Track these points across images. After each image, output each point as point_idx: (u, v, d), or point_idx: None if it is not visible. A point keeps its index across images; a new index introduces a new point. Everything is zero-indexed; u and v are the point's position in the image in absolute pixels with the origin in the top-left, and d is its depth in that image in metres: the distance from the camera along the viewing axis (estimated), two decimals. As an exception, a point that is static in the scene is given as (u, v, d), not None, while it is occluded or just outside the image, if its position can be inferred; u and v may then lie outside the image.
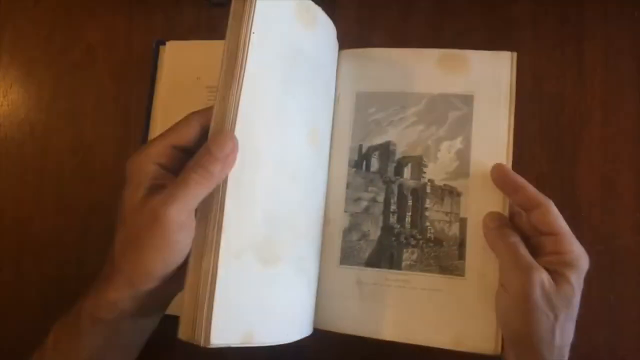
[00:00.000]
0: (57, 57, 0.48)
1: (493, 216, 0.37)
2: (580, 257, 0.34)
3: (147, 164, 0.30)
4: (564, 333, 0.33)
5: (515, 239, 0.35)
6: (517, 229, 0.37)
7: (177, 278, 0.30)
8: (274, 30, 0.33)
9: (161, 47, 0.47)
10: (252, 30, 0.31)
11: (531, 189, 0.36)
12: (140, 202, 0.29)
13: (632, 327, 0.43)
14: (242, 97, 0.31)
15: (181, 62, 0.46)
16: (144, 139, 0.46)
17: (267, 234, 0.32)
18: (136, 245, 0.29)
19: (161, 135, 0.31)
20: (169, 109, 0.46)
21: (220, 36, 0.47)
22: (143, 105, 0.46)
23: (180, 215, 0.28)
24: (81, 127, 0.47)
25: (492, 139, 0.38)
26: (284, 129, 0.34)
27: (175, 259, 0.29)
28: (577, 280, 0.34)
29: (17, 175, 0.47)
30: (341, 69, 0.41)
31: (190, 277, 0.30)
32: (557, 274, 0.34)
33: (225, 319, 0.29)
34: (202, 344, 0.28)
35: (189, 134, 0.31)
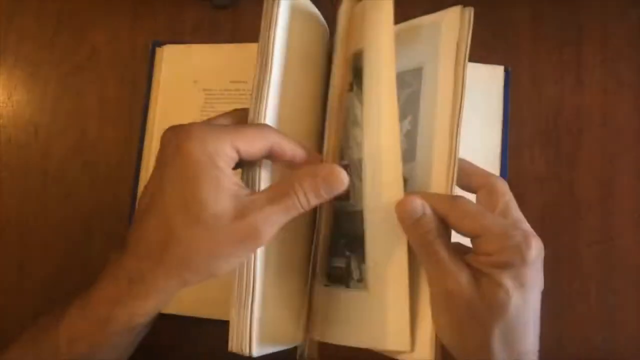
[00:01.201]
0: (61, 58, 0.48)
1: (409, 205, 0.29)
2: (513, 254, 0.27)
3: (225, 164, 0.27)
4: (510, 345, 0.28)
5: (433, 235, 0.29)
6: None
7: None
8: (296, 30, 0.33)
9: (157, 49, 0.47)
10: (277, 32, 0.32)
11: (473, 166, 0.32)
12: (231, 209, 0.27)
13: (630, 326, 0.43)
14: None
15: (178, 65, 0.47)
16: (140, 140, 0.46)
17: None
18: (218, 251, 0.27)
19: (228, 133, 0.28)
20: (166, 112, 0.46)
21: (223, 38, 0.48)
22: (145, 105, 0.47)
23: (273, 234, 0.28)
24: (85, 127, 0.48)
25: (446, 116, 0.32)
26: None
27: (240, 265, 0.30)
28: (514, 280, 0.27)
29: (22, 175, 0.47)
30: None
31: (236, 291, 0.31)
32: (486, 275, 0.28)
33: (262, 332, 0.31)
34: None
35: (258, 149, 0.29)
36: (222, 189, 0.27)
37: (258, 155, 0.29)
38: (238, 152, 0.28)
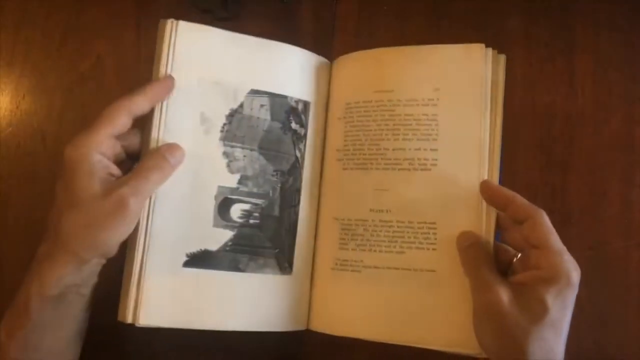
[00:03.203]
0: (68, 68, 0.50)
1: (464, 236, 0.37)
2: (563, 273, 0.33)
3: (93, 154, 0.34)
4: (544, 353, 0.32)
5: (480, 258, 0.35)
6: (509, 243, 0.37)
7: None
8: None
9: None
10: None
11: (520, 200, 0.36)
12: (101, 190, 0.34)
13: (619, 328, 0.45)
14: (169, 109, 0.38)
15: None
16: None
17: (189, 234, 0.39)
18: (95, 227, 0.33)
19: (97, 125, 0.35)
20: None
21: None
22: (149, 114, 0.48)
23: (141, 205, 0.35)
24: (91, 135, 0.49)
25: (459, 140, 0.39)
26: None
27: (123, 238, 0.35)
28: (554, 298, 0.32)
29: (30, 182, 0.49)
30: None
31: (127, 267, 0.37)
32: (530, 289, 0.33)
33: (152, 302, 0.36)
34: (132, 322, 0.36)
35: (123, 124, 0.36)
36: (94, 176, 0.34)
37: (126, 128, 0.37)
38: (113, 136, 0.36)
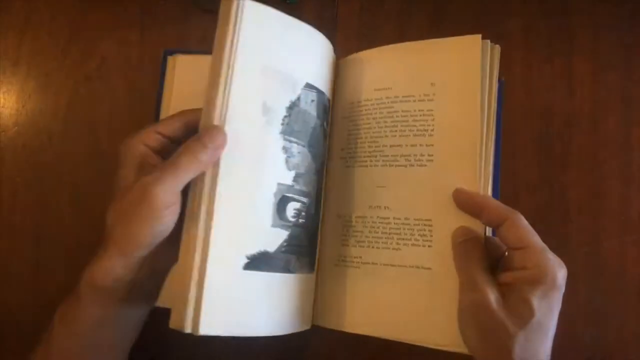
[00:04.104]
0: (73, 69, 0.50)
1: (460, 231, 0.36)
2: (548, 274, 0.31)
3: (137, 145, 0.35)
4: (529, 353, 0.31)
5: (472, 256, 0.34)
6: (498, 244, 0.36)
7: (164, 255, 0.33)
8: (258, 38, 0.36)
9: (169, 57, 0.49)
10: (238, 36, 0.35)
11: (494, 204, 0.34)
12: (133, 179, 0.33)
13: (616, 324, 0.45)
14: (231, 97, 0.34)
15: (191, 76, 0.48)
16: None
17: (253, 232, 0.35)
18: (126, 217, 0.32)
19: (151, 124, 0.36)
20: None
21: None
22: (153, 113, 0.48)
23: (166, 194, 0.31)
24: (96, 135, 0.50)
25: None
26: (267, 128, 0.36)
27: (159, 232, 0.32)
28: (540, 300, 0.31)
29: (36, 180, 0.49)
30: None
31: (180, 270, 0.33)
32: (516, 291, 0.32)
33: (213, 310, 0.32)
34: (191, 331, 0.32)
35: (174, 126, 0.36)
36: (133, 167, 0.34)
37: (177, 131, 0.36)
38: (160, 133, 0.35)
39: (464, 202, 0.36)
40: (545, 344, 0.32)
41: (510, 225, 0.33)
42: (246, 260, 0.35)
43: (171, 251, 0.33)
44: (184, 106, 0.47)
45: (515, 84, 0.48)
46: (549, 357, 0.32)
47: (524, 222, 0.33)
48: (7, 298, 0.48)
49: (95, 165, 0.49)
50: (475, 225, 0.36)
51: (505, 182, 0.46)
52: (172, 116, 0.37)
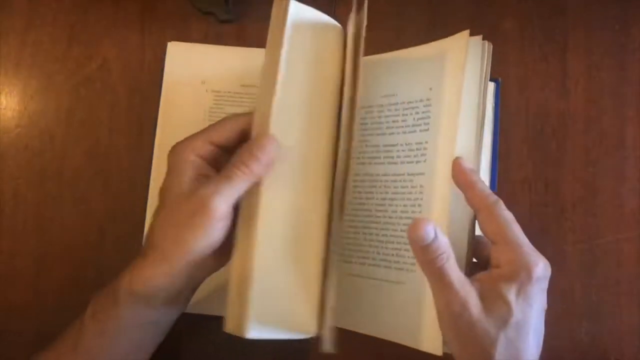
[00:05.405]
0: (75, 70, 0.51)
1: (416, 232, 0.30)
2: (521, 268, 0.30)
3: (189, 155, 0.34)
4: (513, 356, 0.30)
5: (440, 255, 0.30)
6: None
7: (204, 264, 0.34)
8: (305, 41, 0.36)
9: (168, 44, 0.48)
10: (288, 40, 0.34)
11: (480, 187, 0.33)
12: (187, 190, 0.33)
13: (612, 321, 0.46)
14: (276, 103, 0.34)
15: (184, 63, 0.48)
16: (152, 147, 0.49)
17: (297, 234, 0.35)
18: (179, 226, 0.32)
19: (202, 131, 0.35)
20: (170, 110, 0.48)
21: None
22: (154, 114, 0.49)
23: (223, 206, 0.32)
24: (97, 136, 0.50)
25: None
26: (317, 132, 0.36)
27: (211, 243, 0.33)
28: (516, 296, 0.30)
29: (38, 181, 0.50)
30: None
31: (233, 274, 0.34)
32: (492, 290, 0.30)
33: (261, 314, 0.33)
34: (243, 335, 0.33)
35: (227, 135, 0.35)
36: (185, 176, 0.34)
37: (230, 140, 0.35)
38: (212, 142, 0.35)
39: (457, 171, 0.34)
40: (526, 342, 0.30)
41: (487, 215, 0.32)
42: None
43: (211, 261, 0.34)
44: (183, 102, 0.48)
45: (510, 83, 0.49)
46: (536, 356, 0.31)
47: (505, 213, 0.32)
48: (9, 297, 0.48)
49: (97, 166, 0.50)
50: (440, 223, 0.33)
51: (501, 179, 0.47)
52: (224, 122, 0.36)
